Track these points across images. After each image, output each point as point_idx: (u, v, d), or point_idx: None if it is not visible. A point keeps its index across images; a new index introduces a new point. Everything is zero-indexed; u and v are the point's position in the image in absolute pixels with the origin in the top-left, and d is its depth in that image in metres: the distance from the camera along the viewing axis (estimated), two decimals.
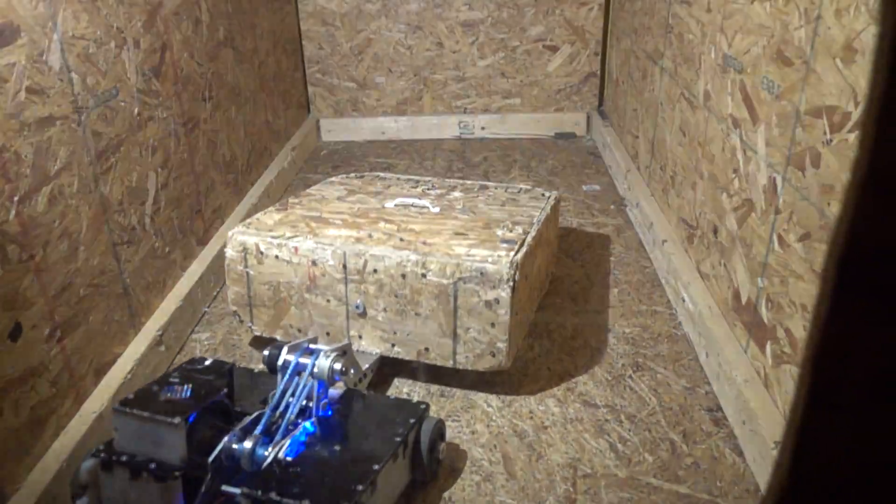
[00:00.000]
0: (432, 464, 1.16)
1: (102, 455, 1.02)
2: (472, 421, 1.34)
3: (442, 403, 1.39)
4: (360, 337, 1.40)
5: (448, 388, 1.42)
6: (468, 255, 1.32)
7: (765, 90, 1.25)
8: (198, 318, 1.69)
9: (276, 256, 1.41)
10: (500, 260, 1.30)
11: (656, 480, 1.19)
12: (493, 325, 1.31)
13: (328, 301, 1.40)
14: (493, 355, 1.33)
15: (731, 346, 1.36)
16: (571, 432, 1.30)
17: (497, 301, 1.29)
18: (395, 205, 1.64)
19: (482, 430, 1.31)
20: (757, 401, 1.21)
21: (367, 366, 1.36)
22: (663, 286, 1.77)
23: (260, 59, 2.30)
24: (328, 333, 1.43)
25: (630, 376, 1.45)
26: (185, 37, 1.71)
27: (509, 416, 1.35)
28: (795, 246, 1.12)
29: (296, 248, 1.39)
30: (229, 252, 1.45)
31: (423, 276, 1.32)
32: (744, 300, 1.34)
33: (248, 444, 1.02)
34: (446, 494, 1.17)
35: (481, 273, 1.29)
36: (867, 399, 0.29)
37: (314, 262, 1.38)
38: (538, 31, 2.76)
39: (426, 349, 1.37)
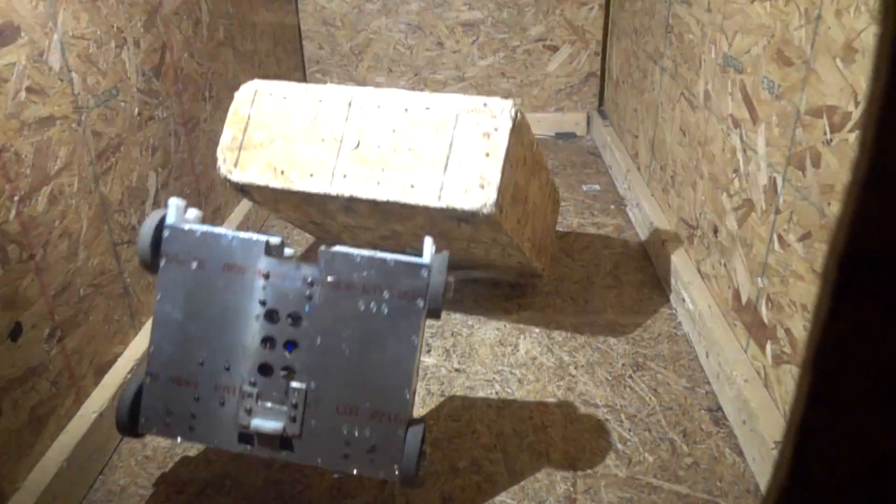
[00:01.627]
0: (421, 461, 1.13)
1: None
2: (471, 421, 1.34)
3: (442, 403, 1.39)
4: (345, 176, 1.39)
5: (449, 388, 1.43)
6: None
7: (765, 90, 1.25)
8: None
9: (285, 97, 1.43)
10: (504, 100, 1.34)
11: (656, 480, 1.19)
12: (487, 154, 1.30)
13: (323, 140, 1.40)
14: (483, 188, 1.30)
15: (731, 346, 1.36)
16: (571, 432, 1.30)
17: (496, 130, 1.30)
18: None
19: (482, 430, 1.31)
20: (757, 401, 1.21)
21: None
22: (663, 286, 1.77)
23: (260, 59, 2.30)
24: (311, 175, 1.41)
25: (630, 376, 1.45)
26: (185, 37, 1.71)
27: (509, 416, 1.35)
28: (795, 246, 1.12)
29: (306, 89, 1.42)
30: (239, 95, 1.46)
31: (427, 108, 1.34)
32: (744, 300, 1.34)
33: None
34: (446, 494, 1.17)
35: (485, 104, 1.31)
36: (867, 399, 0.29)
37: (321, 101, 1.41)
38: (538, 30, 2.76)
39: (412, 185, 1.35)
